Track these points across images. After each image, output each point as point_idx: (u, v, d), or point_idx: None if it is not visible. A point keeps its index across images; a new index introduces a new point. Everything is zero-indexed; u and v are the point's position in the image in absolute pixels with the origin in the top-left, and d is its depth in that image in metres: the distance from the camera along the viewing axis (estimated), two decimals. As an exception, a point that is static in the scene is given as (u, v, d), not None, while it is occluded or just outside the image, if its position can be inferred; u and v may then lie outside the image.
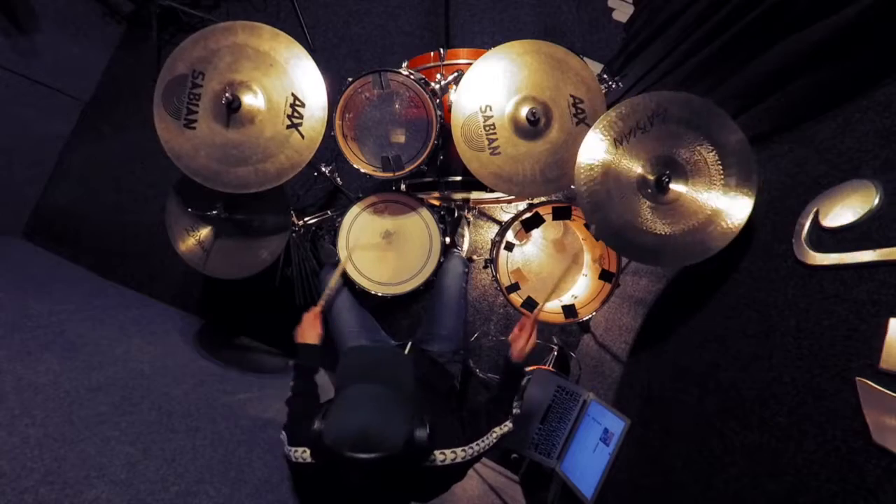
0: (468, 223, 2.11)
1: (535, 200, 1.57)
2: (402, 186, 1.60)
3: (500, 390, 1.25)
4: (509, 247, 1.59)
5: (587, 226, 1.43)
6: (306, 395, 1.25)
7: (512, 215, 1.55)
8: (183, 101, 1.30)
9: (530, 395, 1.62)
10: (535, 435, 1.60)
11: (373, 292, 1.48)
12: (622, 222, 1.20)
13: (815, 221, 0.97)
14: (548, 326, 2.12)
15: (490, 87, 1.30)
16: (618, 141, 1.20)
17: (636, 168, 1.20)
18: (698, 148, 1.17)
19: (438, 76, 1.44)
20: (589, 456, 1.46)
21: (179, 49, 1.30)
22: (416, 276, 1.48)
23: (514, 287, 1.53)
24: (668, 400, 1.29)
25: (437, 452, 1.01)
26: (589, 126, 1.26)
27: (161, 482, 1.06)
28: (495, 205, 2.17)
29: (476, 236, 2.19)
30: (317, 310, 1.37)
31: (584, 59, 1.33)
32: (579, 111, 1.29)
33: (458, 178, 1.51)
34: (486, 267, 1.79)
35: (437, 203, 1.75)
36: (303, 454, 1.02)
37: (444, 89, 1.43)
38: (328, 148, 1.40)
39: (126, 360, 1.49)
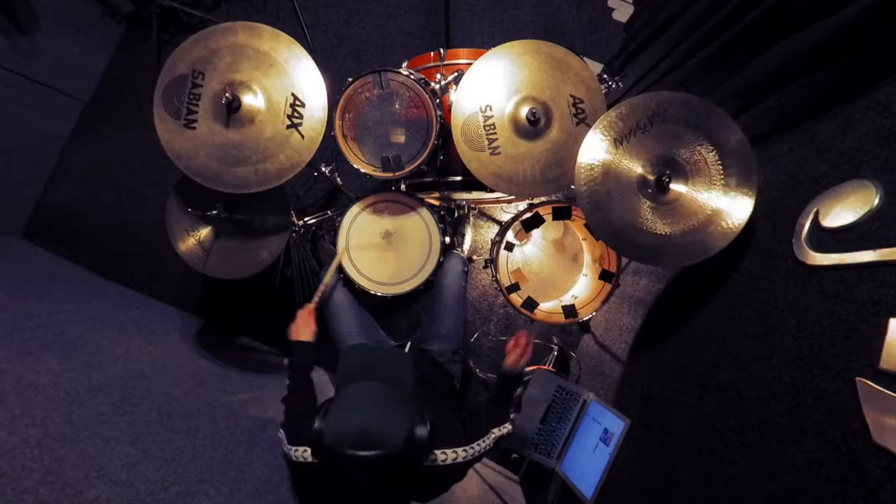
0: (469, 222, 2.12)
1: (535, 200, 1.58)
2: (402, 186, 1.60)
3: (498, 391, 1.26)
4: (509, 247, 1.59)
5: (587, 225, 1.44)
6: (303, 393, 1.25)
7: (512, 215, 1.55)
8: (183, 101, 1.30)
9: (530, 395, 1.63)
10: (535, 435, 1.60)
11: (372, 292, 1.48)
12: (622, 222, 1.20)
13: (815, 221, 0.97)
14: (548, 326, 2.12)
15: (490, 87, 1.30)
16: (618, 141, 1.20)
17: (636, 168, 1.20)
18: (698, 148, 1.17)
19: (438, 76, 1.44)
20: (589, 456, 1.46)
21: (180, 49, 1.30)
22: (416, 276, 1.48)
23: (514, 287, 1.53)
24: (668, 400, 1.29)
25: (438, 452, 1.01)
26: (589, 126, 1.26)
27: (161, 482, 1.06)
28: (495, 205, 2.17)
29: (476, 236, 2.19)
30: (311, 306, 1.37)
31: (584, 59, 1.33)
32: (579, 111, 1.29)
33: (458, 178, 1.51)
34: (486, 267, 1.79)
35: (437, 203, 1.75)
36: (303, 453, 1.02)
37: (444, 89, 1.43)
38: (328, 148, 1.40)
39: (126, 360, 1.49)
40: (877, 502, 0.71)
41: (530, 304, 1.51)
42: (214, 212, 1.43)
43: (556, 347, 2.03)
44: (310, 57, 1.31)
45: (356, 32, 2.43)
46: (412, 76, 1.35)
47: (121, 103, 2.49)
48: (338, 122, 1.38)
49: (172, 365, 1.61)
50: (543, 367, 1.86)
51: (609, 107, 1.23)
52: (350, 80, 1.36)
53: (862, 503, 0.73)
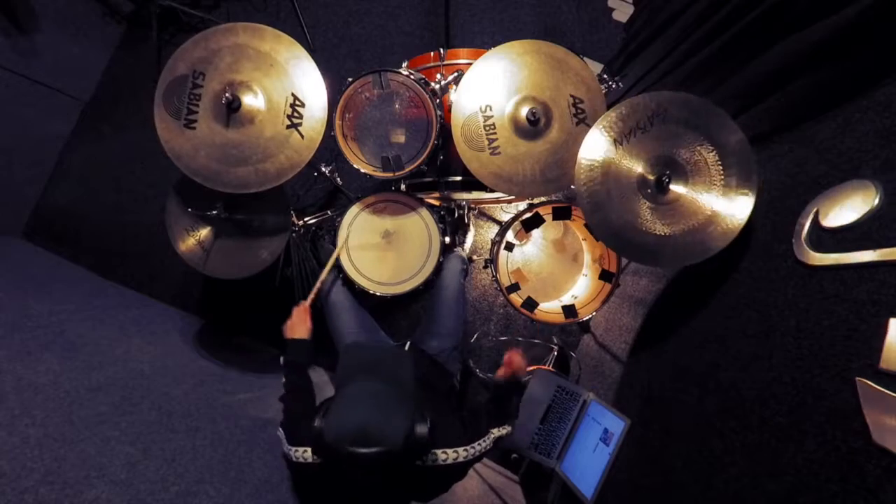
0: (469, 222, 2.12)
1: (535, 200, 1.58)
2: (402, 186, 1.60)
3: (497, 391, 1.26)
4: (509, 247, 1.59)
5: (587, 225, 1.44)
6: (301, 392, 1.25)
7: (512, 215, 1.55)
8: (183, 102, 1.30)
9: (530, 395, 1.63)
10: (535, 435, 1.60)
11: (372, 292, 1.48)
12: (622, 223, 1.20)
13: (815, 221, 0.97)
14: (548, 326, 2.12)
15: (490, 87, 1.30)
16: (618, 141, 1.20)
17: (636, 168, 1.20)
18: (698, 148, 1.17)
19: (438, 76, 1.44)
20: (589, 456, 1.46)
21: (181, 49, 1.30)
22: (416, 276, 1.48)
23: (514, 287, 1.53)
24: (668, 400, 1.29)
25: (438, 451, 1.01)
26: (589, 126, 1.26)
27: (161, 482, 1.06)
28: (495, 205, 2.17)
29: (476, 236, 2.19)
30: (307, 303, 1.36)
31: (584, 59, 1.33)
32: (579, 111, 1.29)
33: (458, 178, 1.51)
34: (486, 267, 1.79)
35: (437, 203, 1.75)
36: (304, 454, 1.02)
37: (444, 89, 1.43)
38: (328, 148, 1.40)
39: (126, 360, 1.49)
40: (877, 502, 0.71)
41: (530, 304, 1.51)
42: (214, 212, 1.43)
43: (556, 347, 2.03)
44: (310, 57, 1.31)
45: (356, 32, 2.43)
46: (412, 76, 1.35)
47: (121, 103, 2.49)
48: (338, 122, 1.38)
49: (172, 365, 1.61)
50: (543, 367, 1.86)
51: (609, 107, 1.23)
52: (350, 80, 1.36)
53: (862, 503, 0.73)
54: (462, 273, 1.55)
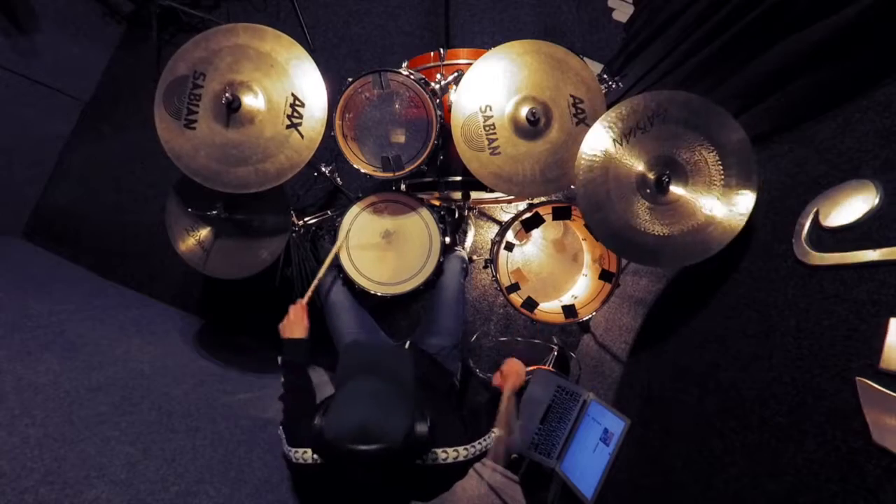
0: (469, 222, 2.12)
1: (535, 200, 1.58)
2: (402, 186, 1.60)
3: (497, 390, 1.26)
4: (509, 247, 1.59)
5: (587, 225, 1.44)
6: (300, 391, 1.25)
7: (512, 215, 1.55)
8: (183, 102, 1.30)
9: (530, 395, 1.63)
10: (535, 435, 1.60)
11: (372, 292, 1.48)
12: (621, 223, 1.20)
13: (815, 221, 0.97)
14: (548, 326, 2.12)
15: (490, 87, 1.30)
16: (617, 141, 1.20)
17: (636, 168, 1.20)
18: (698, 148, 1.17)
19: (438, 76, 1.44)
20: (589, 456, 1.46)
21: (181, 50, 1.30)
22: (416, 276, 1.48)
23: (514, 287, 1.53)
24: (668, 400, 1.29)
25: (439, 451, 1.01)
26: (589, 126, 1.26)
27: (161, 482, 1.06)
28: (495, 205, 2.17)
29: (476, 236, 2.19)
30: (303, 301, 1.35)
31: (584, 59, 1.33)
32: (579, 111, 1.29)
33: (458, 178, 1.51)
34: (486, 267, 1.79)
35: (437, 203, 1.75)
36: (303, 455, 1.02)
37: (444, 89, 1.43)
38: (328, 148, 1.40)
39: (126, 360, 1.49)
40: (877, 502, 0.71)
41: (530, 304, 1.51)
42: (214, 212, 1.43)
43: (556, 347, 2.03)
44: (310, 57, 1.31)
45: (356, 32, 2.43)
46: (412, 76, 1.35)
47: (121, 103, 2.49)
48: (338, 122, 1.38)
49: (172, 365, 1.61)
50: (543, 367, 1.86)
51: (609, 107, 1.23)
52: (350, 80, 1.36)
53: (862, 503, 0.73)
54: (462, 273, 1.55)
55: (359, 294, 1.54)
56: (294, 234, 1.69)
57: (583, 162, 1.21)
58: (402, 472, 0.96)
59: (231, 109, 1.28)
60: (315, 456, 1.02)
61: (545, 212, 1.51)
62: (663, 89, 1.20)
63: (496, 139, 1.30)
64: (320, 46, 2.42)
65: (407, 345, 1.49)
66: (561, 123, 1.30)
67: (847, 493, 0.75)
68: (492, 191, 1.44)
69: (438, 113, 1.34)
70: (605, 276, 1.47)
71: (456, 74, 1.43)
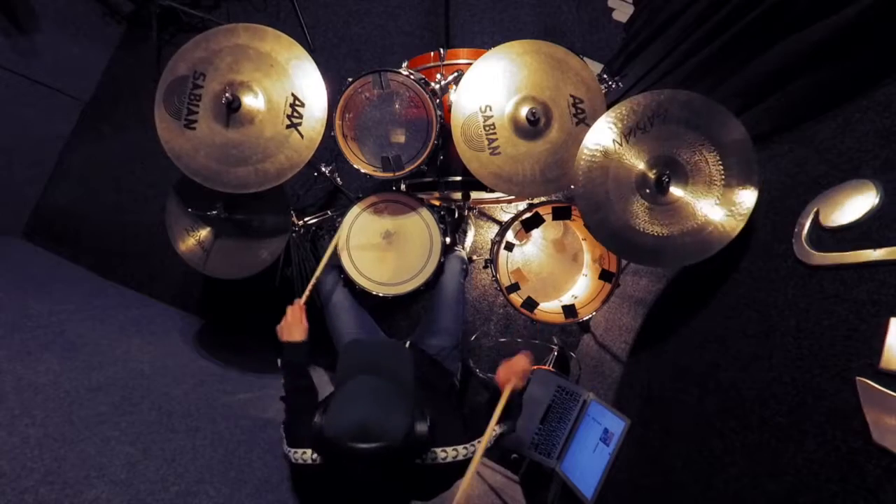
0: (469, 222, 2.12)
1: (535, 200, 1.57)
2: (402, 186, 1.60)
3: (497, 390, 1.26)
4: (509, 247, 1.59)
5: (586, 225, 1.44)
6: (302, 391, 1.24)
7: (512, 215, 1.55)
8: (184, 102, 1.30)
9: (530, 395, 1.63)
10: (535, 435, 1.60)
11: (373, 292, 1.48)
12: (621, 223, 1.20)
13: (815, 221, 0.97)
14: (548, 326, 2.12)
15: (490, 87, 1.30)
16: (617, 141, 1.20)
17: (636, 169, 1.20)
18: (699, 147, 1.17)
19: (438, 76, 1.44)
20: (589, 456, 1.46)
21: (181, 50, 1.30)
22: (416, 277, 1.48)
23: (514, 287, 1.53)
24: (668, 400, 1.29)
25: (438, 450, 1.01)
26: (589, 126, 1.26)
27: (161, 482, 1.06)
28: (495, 205, 2.17)
29: (476, 236, 2.19)
30: (301, 302, 1.33)
31: (584, 59, 1.33)
32: (579, 111, 1.29)
33: (458, 178, 1.51)
34: (486, 267, 1.79)
35: (437, 203, 1.75)
36: (302, 455, 1.02)
37: (444, 89, 1.43)
38: (328, 148, 1.40)
39: (126, 360, 1.49)
40: (877, 502, 0.71)
41: (530, 304, 1.51)
42: (214, 212, 1.43)
43: (556, 347, 2.03)
44: (310, 57, 1.31)
45: (356, 32, 2.43)
46: (412, 76, 1.35)
47: (121, 103, 2.49)
48: (338, 122, 1.38)
49: (172, 365, 1.61)
50: (543, 367, 1.86)
51: (609, 107, 1.23)
52: (350, 80, 1.36)
53: (862, 503, 0.73)
54: (462, 273, 1.55)
55: (359, 294, 1.54)
56: (294, 234, 1.69)
57: (582, 162, 1.21)
58: (402, 471, 0.96)
59: (231, 109, 1.28)
60: (314, 456, 1.02)
61: (545, 212, 1.51)
62: (663, 89, 1.20)
63: (496, 139, 1.30)
64: (320, 46, 2.42)
65: (407, 345, 1.49)
66: (561, 123, 1.30)
67: (847, 493, 0.75)
68: (492, 191, 1.44)
69: (438, 113, 1.34)
70: (605, 276, 1.47)
71: (456, 74, 1.43)
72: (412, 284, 1.47)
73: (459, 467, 1.06)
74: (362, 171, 1.41)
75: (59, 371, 1.25)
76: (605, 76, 1.48)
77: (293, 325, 1.29)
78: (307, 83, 1.30)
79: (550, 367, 1.90)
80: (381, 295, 1.48)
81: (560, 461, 1.56)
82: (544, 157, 1.31)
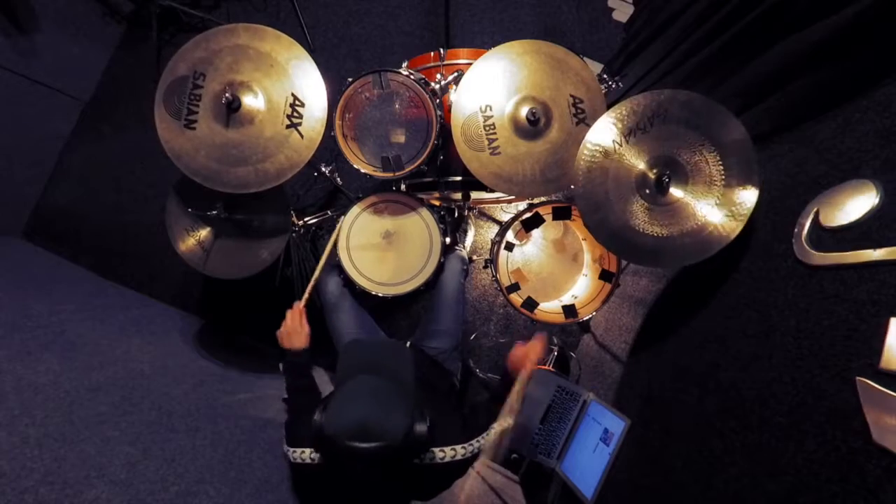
0: (469, 222, 2.12)
1: (535, 200, 1.57)
2: (402, 186, 1.60)
3: (499, 390, 1.25)
4: (509, 247, 1.58)
5: (586, 225, 1.44)
6: (304, 391, 1.25)
7: (512, 215, 1.55)
8: (183, 102, 1.30)
9: (530, 395, 1.62)
10: (535, 435, 1.60)
11: (373, 293, 1.48)
12: (620, 224, 1.20)
13: (816, 221, 0.97)
14: (548, 326, 2.12)
15: (490, 87, 1.30)
16: (617, 141, 1.20)
17: (636, 169, 1.20)
18: (699, 148, 1.17)
19: (438, 76, 1.44)
20: (589, 456, 1.46)
21: (182, 50, 1.30)
22: (417, 277, 1.48)
23: (514, 287, 1.53)
24: (668, 400, 1.29)
25: (436, 450, 1.01)
26: (589, 126, 1.26)
27: (161, 482, 1.06)
28: (495, 205, 2.17)
29: (476, 236, 2.19)
30: (301, 305, 1.33)
31: (584, 59, 1.33)
32: (579, 111, 1.29)
33: (458, 178, 1.51)
34: (486, 267, 1.79)
35: (437, 203, 1.75)
36: (301, 454, 1.03)
37: (444, 89, 1.43)
38: (328, 148, 1.40)
39: (126, 360, 1.49)
40: (877, 502, 0.71)
41: (530, 304, 1.51)
42: (214, 212, 1.43)
43: (556, 347, 2.03)
44: (310, 57, 1.31)
45: (356, 32, 2.43)
46: (412, 76, 1.35)
47: (121, 103, 2.49)
48: (338, 122, 1.38)
49: (172, 365, 1.61)
50: (543, 367, 1.86)
51: (609, 107, 1.23)
52: (350, 80, 1.36)
53: (862, 503, 0.73)
54: (462, 273, 1.55)
55: (359, 294, 1.54)
56: (294, 234, 1.69)
57: (582, 162, 1.21)
58: (401, 471, 0.96)
59: (231, 109, 1.28)
60: (313, 455, 1.02)
61: (545, 212, 1.51)
62: (663, 89, 1.20)
63: (496, 139, 1.30)
64: (320, 46, 2.42)
65: (407, 345, 1.49)
66: (561, 123, 1.30)
67: (847, 493, 0.75)
68: (492, 191, 1.44)
69: (438, 113, 1.34)
70: (605, 276, 1.47)
71: (456, 74, 1.43)
72: (412, 284, 1.47)
73: (458, 467, 1.06)
74: (362, 171, 1.41)
75: (59, 371, 1.25)
76: (605, 76, 1.48)
77: (293, 333, 1.28)
78: (307, 83, 1.30)
79: (550, 367, 1.90)
80: (380, 295, 1.48)
81: (560, 461, 1.56)
82: (544, 157, 1.31)
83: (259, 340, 2.23)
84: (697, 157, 1.17)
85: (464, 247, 2.03)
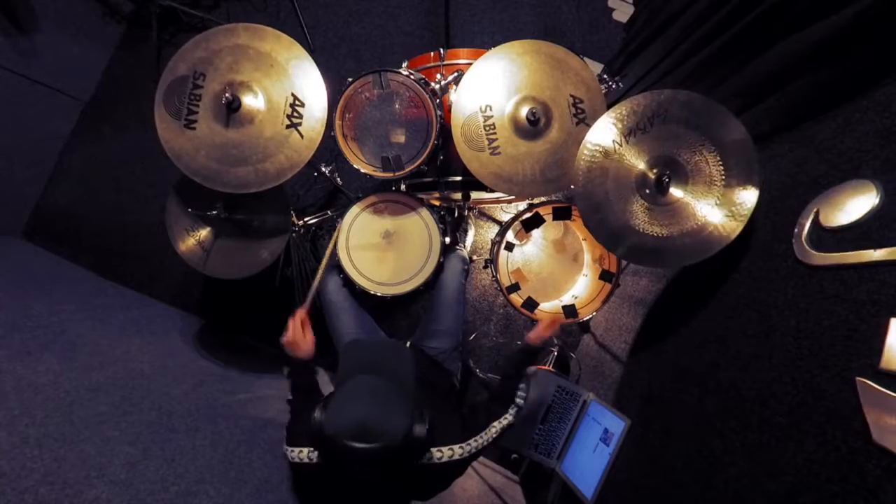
0: (469, 222, 2.12)
1: (535, 200, 1.57)
2: (402, 186, 1.60)
3: (499, 389, 1.26)
4: (509, 247, 1.59)
5: (586, 225, 1.44)
6: (307, 391, 1.25)
7: (512, 215, 1.55)
8: (184, 102, 1.30)
9: (530, 396, 1.62)
10: (535, 435, 1.60)
11: (372, 292, 1.48)
12: (620, 224, 1.20)
13: (816, 221, 0.97)
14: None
15: (490, 87, 1.30)
16: (617, 142, 1.20)
17: (636, 169, 1.20)
18: (699, 147, 1.17)
19: (438, 76, 1.44)
20: (589, 456, 1.46)
21: (182, 50, 1.30)
22: (416, 277, 1.48)
23: (515, 287, 1.53)
24: (668, 400, 1.29)
25: (434, 450, 1.01)
26: (589, 126, 1.26)
27: (161, 482, 1.06)
28: (495, 205, 2.17)
29: (476, 236, 2.19)
30: (303, 313, 1.28)
31: (584, 59, 1.33)
32: (579, 111, 1.29)
33: (458, 178, 1.51)
34: (486, 267, 1.79)
35: (437, 203, 1.75)
36: (299, 454, 1.03)
37: (444, 89, 1.43)
38: (328, 148, 1.40)
39: (126, 360, 1.49)
40: (877, 502, 0.71)
41: (530, 304, 1.51)
42: (214, 212, 1.43)
43: (556, 347, 2.03)
44: (310, 57, 1.31)
45: (356, 32, 2.43)
46: (412, 76, 1.35)
47: (121, 103, 2.49)
48: (338, 122, 1.38)
49: (172, 365, 1.61)
50: (543, 367, 1.86)
51: (609, 107, 1.23)
52: (350, 80, 1.36)
53: (862, 503, 0.73)
54: (462, 273, 1.55)
55: (359, 294, 1.54)
56: (294, 234, 1.69)
57: (582, 162, 1.21)
58: (401, 470, 0.96)
59: (231, 109, 1.28)
60: (311, 455, 1.02)
61: (545, 212, 1.51)
62: (663, 89, 1.20)
63: (496, 139, 1.30)
64: (320, 46, 2.42)
65: (407, 345, 1.49)
66: (561, 123, 1.30)
67: (847, 493, 0.75)
68: (492, 191, 1.44)
69: (438, 113, 1.34)
70: (605, 276, 1.47)
71: (456, 74, 1.43)
72: (412, 284, 1.47)
73: (457, 467, 1.06)
74: (362, 171, 1.41)
75: (59, 371, 1.25)
76: (605, 76, 1.48)
77: (298, 343, 1.24)
78: (307, 83, 1.30)
79: (550, 367, 1.90)
80: (380, 295, 1.48)
81: (560, 461, 1.56)
82: (544, 157, 1.31)
83: (259, 340, 2.23)
84: (697, 157, 1.17)
85: (464, 247, 2.03)
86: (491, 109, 1.30)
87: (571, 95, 1.29)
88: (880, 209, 0.85)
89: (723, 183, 1.15)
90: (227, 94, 1.25)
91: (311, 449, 1.02)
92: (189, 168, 1.31)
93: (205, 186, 1.32)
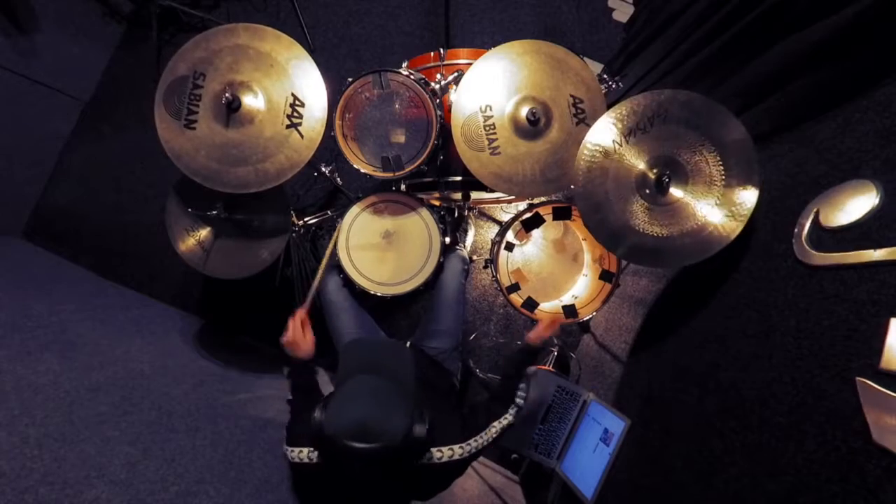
0: (469, 222, 2.12)
1: (535, 200, 1.58)
2: (402, 186, 1.60)
3: (499, 389, 1.26)
4: (509, 247, 1.59)
5: (586, 225, 1.44)
6: (307, 391, 1.25)
7: (512, 215, 1.55)
8: (184, 102, 1.30)
9: (530, 396, 1.62)
10: (535, 435, 1.60)
11: (372, 292, 1.48)
12: (620, 224, 1.20)
13: (816, 221, 0.97)
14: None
15: (490, 87, 1.30)
16: (617, 142, 1.20)
17: (636, 169, 1.20)
18: (699, 147, 1.17)
19: (438, 76, 1.44)
20: (589, 456, 1.46)
21: (182, 50, 1.30)
22: (416, 277, 1.48)
23: (515, 287, 1.53)
24: (668, 400, 1.29)
25: (434, 450, 1.01)
26: (589, 126, 1.26)
27: (161, 482, 1.06)
28: (495, 205, 2.17)
29: (476, 236, 2.19)
30: (303, 313, 1.28)
31: (584, 59, 1.33)
32: (579, 111, 1.29)
33: (458, 178, 1.51)
34: (486, 267, 1.79)
35: (437, 203, 1.75)
36: (299, 454, 1.03)
37: (444, 89, 1.43)
38: (328, 148, 1.40)
39: (126, 360, 1.49)
40: (877, 502, 0.71)
41: (530, 304, 1.51)
42: (214, 212, 1.43)
43: (556, 347, 2.03)
44: (310, 57, 1.31)
45: (356, 32, 2.43)
46: (412, 76, 1.35)
47: (121, 103, 2.49)
48: (338, 122, 1.38)
49: (172, 365, 1.61)
50: (543, 367, 1.86)
51: (609, 107, 1.23)
52: (350, 80, 1.36)
53: (862, 503, 0.73)
54: (463, 273, 1.55)
55: (359, 294, 1.54)
56: (294, 234, 1.69)
57: (582, 162, 1.21)
58: (400, 470, 0.96)
59: (231, 109, 1.28)
60: (311, 455, 1.02)
61: (545, 212, 1.51)
62: (663, 89, 1.20)
63: (496, 139, 1.30)
64: (320, 46, 2.42)
65: (407, 345, 1.49)
66: (561, 123, 1.30)
67: (847, 493, 0.75)
68: (492, 191, 1.44)
69: (438, 113, 1.34)
70: (605, 276, 1.47)
71: (456, 74, 1.43)
72: (412, 284, 1.47)
73: (457, 467, 1.06)
74: (362, 171, 1.41)
75: (59, 371, 1.25)
76: (605, 76, 1.48)
77: (298, 344, 1.24)
78: (307, 83, 1.30)
79: (550, 367, 1.90)
80: (380, 295, 1.48)
81: (560, 461, 1.56)
82: (544, 157, 1.31)
83: (259, 340, 2.23)
84: (697, 157, 1.17)
85: (464, 247, 2.03)
86: (491, 109, 1.30)
87: (571, 95, 1.29)
88: (880, 209, 0.85)
89: (723, 183, 1.15)
90: (227, 94, 1.25)
91: (311, 449, 1.02)
92: (189, 168, 1.31)
93: (205, 186, 1.32)
